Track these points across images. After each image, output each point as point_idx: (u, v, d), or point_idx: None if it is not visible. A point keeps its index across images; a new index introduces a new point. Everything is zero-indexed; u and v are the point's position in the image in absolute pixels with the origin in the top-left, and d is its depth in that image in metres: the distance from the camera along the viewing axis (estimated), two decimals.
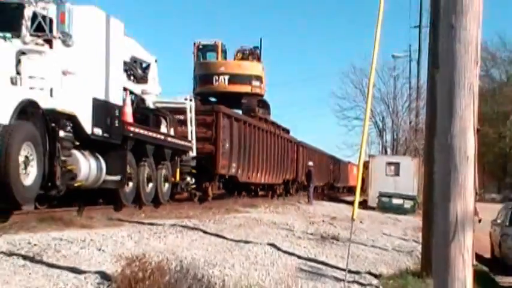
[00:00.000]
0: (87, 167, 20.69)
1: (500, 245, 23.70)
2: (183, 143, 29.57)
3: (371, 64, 15.30)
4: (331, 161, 72.84)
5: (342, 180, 74.76)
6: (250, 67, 49.37)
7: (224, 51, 49.56)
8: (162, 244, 16.08)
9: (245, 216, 27.58)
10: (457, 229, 9.29)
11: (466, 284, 9.23)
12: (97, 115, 21.36)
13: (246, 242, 19.08)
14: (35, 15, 18.71)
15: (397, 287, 16.05)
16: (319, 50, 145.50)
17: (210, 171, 33.65)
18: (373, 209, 45.80)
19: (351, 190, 62.26)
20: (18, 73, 17.79)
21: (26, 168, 17.44)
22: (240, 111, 42.40)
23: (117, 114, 22.74)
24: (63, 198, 20.59)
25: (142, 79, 26.62)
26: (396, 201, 49.72)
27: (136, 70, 26.10)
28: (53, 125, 18.91)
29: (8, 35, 18.13)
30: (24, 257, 12.33)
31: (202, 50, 49.24)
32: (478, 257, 19.10)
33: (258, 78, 49.53)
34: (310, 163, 53.58)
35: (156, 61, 27.75)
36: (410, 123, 73.29)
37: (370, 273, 17.51)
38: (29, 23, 18.59)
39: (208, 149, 33.20)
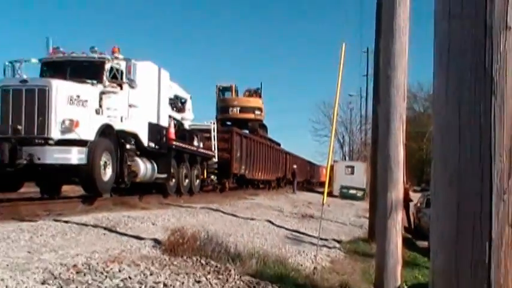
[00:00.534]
0: (145, 169, 20.71)
1: (419, 220, 24.28)
2: (208, 152, 29.46)
3: (335, 100, 15.37)
4: (308, 164, 72.52)
5: (315, 177, 74.32)
6: (254, 101, 49.35)
7: (236, 91, 49.55)
8: (195, 220, 16.06)
9: (251, 202, 27.56)
10: (391, 210, 9.53)
11: (397, 246, 9.45)
12: (151, 134, 21.43)
13: (251, 219, 19.23)
14: (111, 68, 18.91)
15: (352, 248, 16.13)
16: (301, 90, 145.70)
17: (227, 171, 33.42)
18: (336, 197, 45.70)
19: (322, 184, 61.89)
20: (100, 106, 17.92)
21: (105, 169, 17.66)
22: (247, 131, 42.31)
23: (164, 133, 22.74)
24: (129, 189, 20.58)
25: (181, 109, 26.62)
26: (352, 191, 49.94)
27: (177, 103, 26.12)
28: (122, 140, 19.15)
29: (95, 81, 18.30)
30: (105, 228, 12.49)
31: (222, 90, 49.25)
32: (405, 228, 19.18)
33: (259, 109, 49.51)
34: (295, 166, 53.51)
35: (190, 97, 27.72)
36: (361, 139, 74.04)
37: (334, 239, 17.59)
38: (107, 74, 18.74)
39: (226, 157, 33.03)
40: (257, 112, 49.24)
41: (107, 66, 18.85)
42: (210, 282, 8.32)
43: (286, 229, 18.39)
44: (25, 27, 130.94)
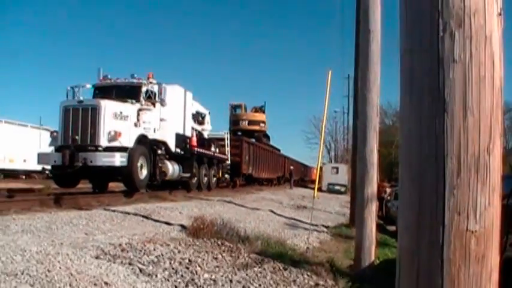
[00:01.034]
0: (172, 169, 20.71)
1: (389, 209, 24.19)
2: (223, 156, 29.41)
3: (323, 116, 15.37)
4: (302, 166, 72.30)
5: (308, 176, 73.99)
6: (259, 116, 49.23)
7: (245, 108, 49.47)
8: (212, 210, 16.06)
9: (256, 195, 27.49)
10: (367, 202, 9.54)
11: (372, 230, 9.45)
12: (177, 142, 21.45)
13: (257, 209, 19.20)
14: (147, 90, 19.03)
15: (337, 232, 16.06)
16: (298, 107, 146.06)
17: (238, 171, 33.30)
18: (324, 191, 45.59)
19: (313, 182, 61.74)
20: (138, 120, 18.04)
21: (141, 169, 17.72)
22: (253, 140, 42.20)
23: (188, 141, 22.73)
24: (160, 185, 20.68)
25: (201, 122, 26.61)
26: (337, 187, 49.91)
27: (198, 117, 26.11)
28: (155, 147, 19.25)
29: (134, 101, 18.46)
30: (142, 216, 12.55)
31: (234, 107, 49.16)
32: (379, 216, 19.16)
33: (263, 122, 49.40)
34: (291, 167, 53.57)
35: (209, 112, 27.70)
36: (344, 146, 74.47)
37: (323, 225, 17.56)
38: (144, 95, 18.88)
39: (237, 160, 32.91)
40: (262, 124, 49.22)
41: (144, 89, 18.98)
42: (225, 259, 8.36)
43: (285, 217, 18.38)
44: (81, 58, 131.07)
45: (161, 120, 19.77)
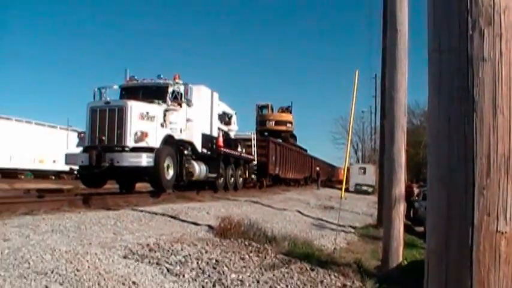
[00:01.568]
0: (199, 170, 20.74)
1: (417, 210, 23.94)
2: (249, 156, 29.39)
3: (350, 116, 15.30)
4: (329, 166, 72.08)
5: (335, 176, 73.69)
6: (285, 116, 49.20)
7: (272, 108, 49.46)
8: (240, 210, 16.07)
9: (284, 196, 27.52)
10: (395, 202, 9.47)
11: (400, 231, 9.38)
12: (204, 142, 21.50)
13: (284, 209, 19.18)
14: (173, 91, 19.12)
15: (364, 233, 15.98)
16: (325, 107, 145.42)
17: (264, 172, 33.25)
18: (352, 192, 45.38)
19: (340, 182, 61.42)
20: (164, 121, 18.14)
21: (168, 170, 17.81)
22: (280, 140, 42.11)
23: (214, 141, 22.76)
24: (187, 186, 20.70)
25: (228, 123, 26.58)
26: (364, 187, 49.83)
27: (225, 118, 26.10)
28: (181, 147, 19.33)
29: (160, 102, 18.55)
30: (170, 216, 12.61)
31: (261, 108, 49.13)
32: (406, 216, 18.99)
33: (290, 122, 49.33)
34: (318, 167, 53.48)
35: (235, 113, 27.68)
36: (371, 146, 73.94)
37: (350, 226, 17.49)
38: (170, 95, 18.97)
39: (263, 160, 32.87)
40: (288, 125, 49.19)
41: (170, 89, 19.09)
42: (252, 259, 8.37)
43: (312, 218, 18.34)
44: (108, 60, 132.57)
45: (187, 120, 19.85)
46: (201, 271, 7.25)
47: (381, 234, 11.26)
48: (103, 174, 17.00)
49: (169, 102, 18.82)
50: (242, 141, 28.98)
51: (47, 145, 37.21)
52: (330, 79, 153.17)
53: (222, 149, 23.42)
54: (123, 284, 6.13)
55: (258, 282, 7.10)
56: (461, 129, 1.99)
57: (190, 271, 7.18)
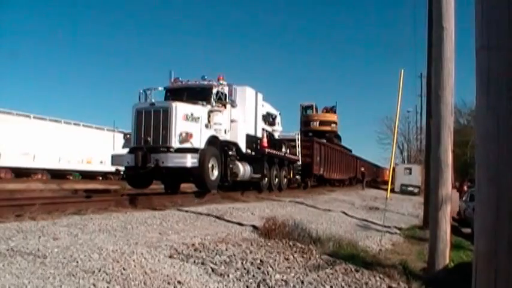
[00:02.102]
0: (243, 170, 20.77)
1: (464, 211, 23.41)
2: (294, 157, 29.24)
3: (396, 116, 15.14)
4: (374, 166, 71.42)
5: (380, 177, 73.05)
6: (330, 117, 49.07)
7: (316, 108, 49.38)
8: (284, 211, 16.06)
9: (328, 196, 27.39)
10: (442, 203, 9.30)
11: (447, 232, 9.21)
12: (248, 142, 21.54)
13: (329, 210, 19.11)
14: (217, 92, 19.16)
15: (410, 234, 15.84)
16: (370, 107, 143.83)
17: (309, 172, 33.13)
18: (397, 193, 44.83)
19: (385, 183, 60.65)
20: (209, 122, 18.23)
21: (212, 170, 17.89)
22: (324, 140, 41.90)
23: (259, 142, 22.78)
24: (232, 186, 20.66)
25: (272, 123, 26.52)
26: (410, 188, 49.14)
27: (269, 118, 26.05)
28: (226, 148, 19.40)
29: (204, 103, 18.62)
30: (215, 216, 12.69)
31: (305, 108, 49.12)
32: (453, 218, 18.65)
33: (334, 122, 49.18)
34: (362, 168, 53.01)
35: (279, 113, 27.62)
36: (417, 146, 72.73)
37: (395, 227, 17.36)
38: (214, 96, 18.99)
39: (308, 161, 32.76)
40: (333, 125, 49.03)
41: (214, 90, 19.15)
42: (296, 260, 8.36)
43: (357, 218, 18.22)
44: (153, 61, 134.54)
45: (232, 121, 19.93)
46: (246, 271, 7.29)
47: (427, 236, 11.09)
48: (148, 175, 17.21)
49: (214, 103, 18.89)
50: (286, 141, 28.90)
51: (94, 146, 38.06)
52: (375, 78, 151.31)
53: (266, 149, 23.38)
54: (169, 283, 6.22)
55: (302, 282, 7.09)
56: (510, 129, 1.95)
57: (235, 271, 7.23)
